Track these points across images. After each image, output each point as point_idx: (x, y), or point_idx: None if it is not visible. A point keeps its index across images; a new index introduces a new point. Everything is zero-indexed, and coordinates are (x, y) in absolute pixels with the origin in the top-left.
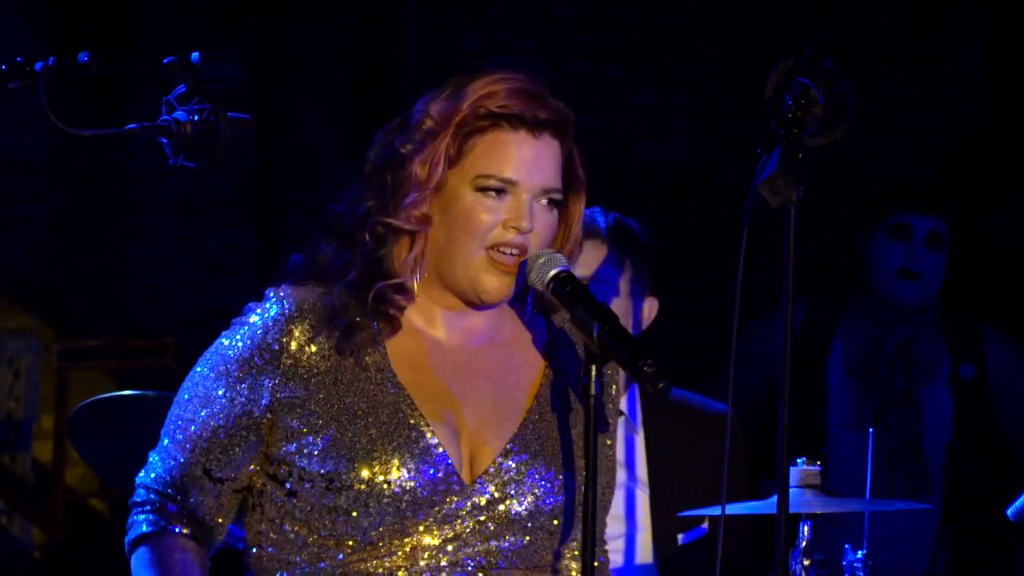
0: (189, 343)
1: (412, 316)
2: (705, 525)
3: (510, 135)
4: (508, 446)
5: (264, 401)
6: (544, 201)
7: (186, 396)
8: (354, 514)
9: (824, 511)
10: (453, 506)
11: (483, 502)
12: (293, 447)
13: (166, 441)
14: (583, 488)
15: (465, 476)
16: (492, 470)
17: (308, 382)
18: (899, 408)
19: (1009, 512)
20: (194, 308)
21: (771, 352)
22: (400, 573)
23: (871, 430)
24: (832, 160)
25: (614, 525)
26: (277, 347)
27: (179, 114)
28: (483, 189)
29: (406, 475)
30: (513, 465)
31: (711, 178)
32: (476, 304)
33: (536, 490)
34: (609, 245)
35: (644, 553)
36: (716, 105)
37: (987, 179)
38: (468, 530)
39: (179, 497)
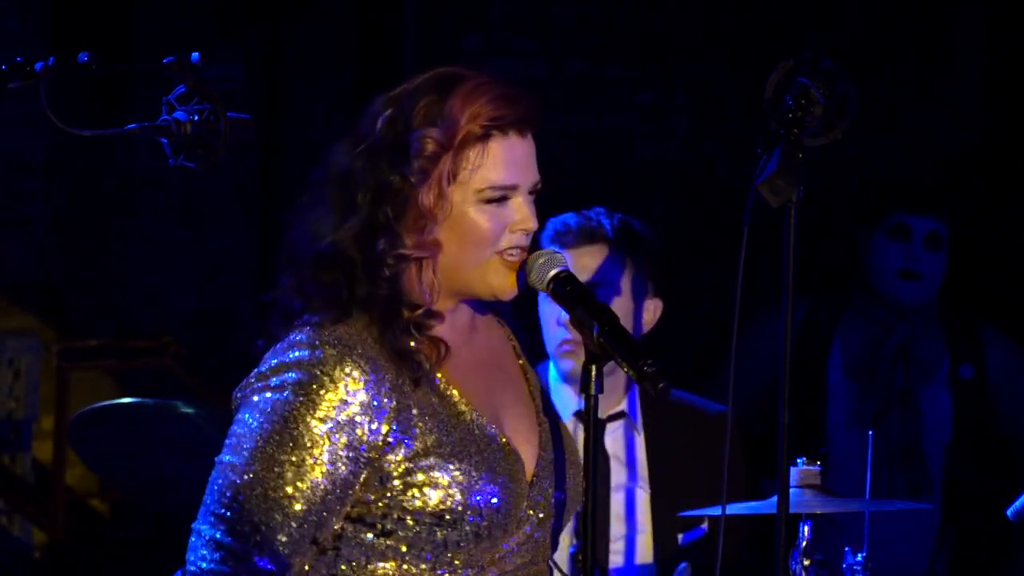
0: (189, 343)
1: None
2: (705, 525)
3: (501, 141)
4: (541, 438)
5: (358, 453)
6: (531, 194)
7: (269, 476)
8: (464, 544)
9: (824, 511)
10: (522, 509)
11: (543, 497)
12: (390, 491)
13: (246, 528)
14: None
15: (528, 477)
16: (539, 464)
17: (392, 422)
18: (899, 408)
19: (1009, 512)
20: (194, 308)
21: (771, 352)
22: None
23: (871, 431)
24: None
25: (615, 525)
26: (352, 394)
27: (179, 114)
28: (488, 200)
29: (508, 497)
30: (547, 455)
31: (711, 178)
32: (489, 302)
33: (561, 474)
34: (612, 246)
35: (644, 553)
36: (716, 105)
37: (987, 179)
38: (535, 525)
39: None
